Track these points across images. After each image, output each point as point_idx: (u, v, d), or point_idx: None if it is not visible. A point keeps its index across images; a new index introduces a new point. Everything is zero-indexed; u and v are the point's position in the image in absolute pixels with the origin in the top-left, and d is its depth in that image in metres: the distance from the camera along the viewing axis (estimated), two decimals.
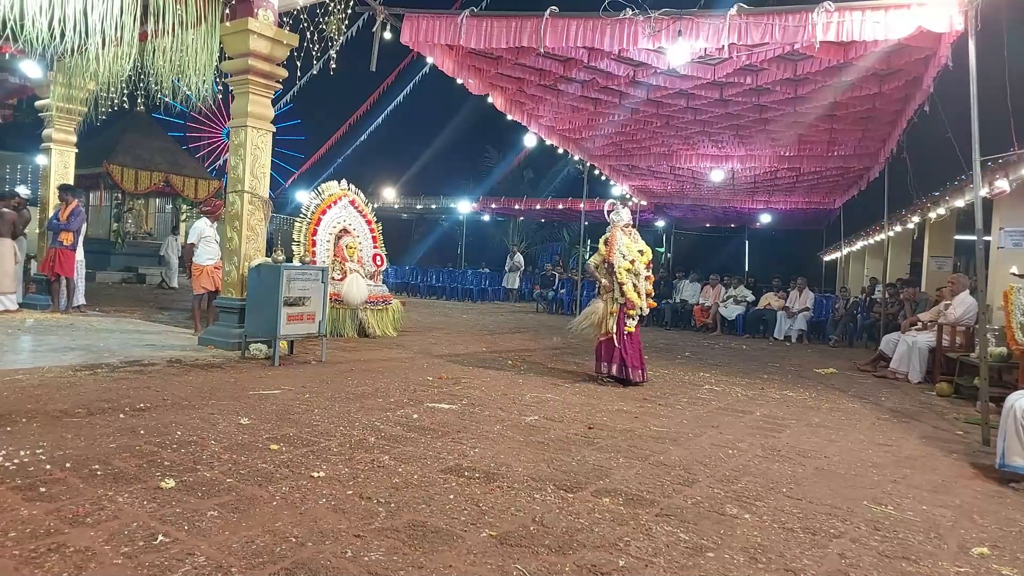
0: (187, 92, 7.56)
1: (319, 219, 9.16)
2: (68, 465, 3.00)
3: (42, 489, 2.70)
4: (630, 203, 16.94)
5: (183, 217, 18.04)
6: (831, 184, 15.24)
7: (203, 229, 8.08)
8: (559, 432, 4.32)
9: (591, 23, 6.64)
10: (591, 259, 6.77)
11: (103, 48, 6.24)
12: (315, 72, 12.65)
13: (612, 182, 16.48)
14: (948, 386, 6.97)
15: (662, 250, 28.01)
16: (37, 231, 10.02)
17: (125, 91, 8.16)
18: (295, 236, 9.04)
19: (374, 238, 9.93)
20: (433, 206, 25.95)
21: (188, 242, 8.26)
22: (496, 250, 27.25)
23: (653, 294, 6.71)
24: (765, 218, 22.33)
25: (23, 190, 9.77)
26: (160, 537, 2.33)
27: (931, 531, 2.93)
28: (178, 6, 6.42)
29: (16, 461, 3.01)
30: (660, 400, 5.74)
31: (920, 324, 8.58)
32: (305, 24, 7.18)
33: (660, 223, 25.90)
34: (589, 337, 6.74)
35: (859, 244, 18.56)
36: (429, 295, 20.73)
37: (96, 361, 5.65)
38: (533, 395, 5.58)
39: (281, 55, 7.01)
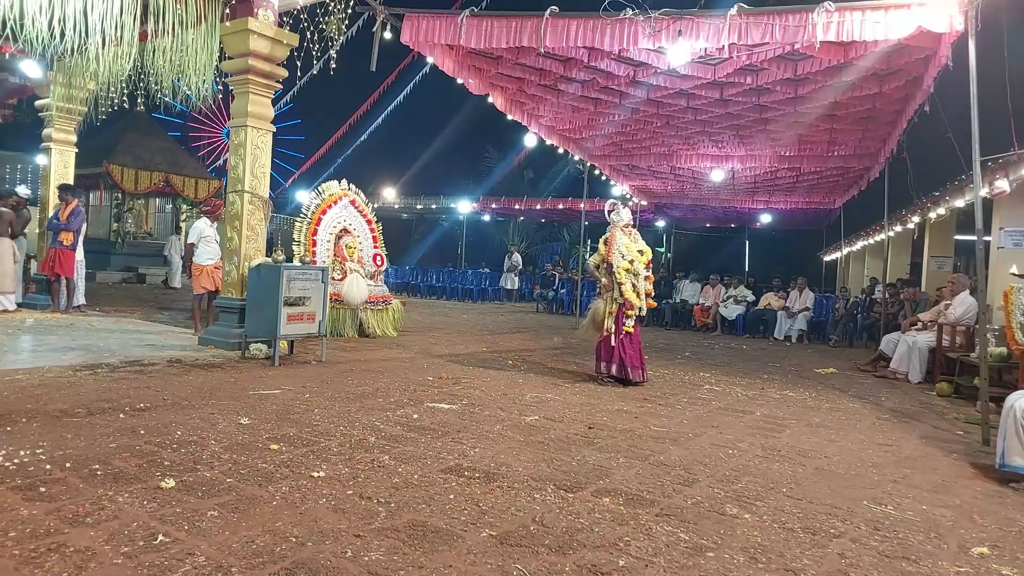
0: (187, 92, 7.56)
1: (319, 219, 9.16)
2: (68, 465, 3.00)
3: (42, 489, 2.70)
4: (630, 203, 16.95)
5: (183, 217, 18.05)
6: (831, 184, 15.24)
7: (203, 229, 8.08)
8: (559, 432, 4.32)
9: (591, 23, 6.64)
10: (591, 258, 6.77)
11: (103, 48, 6.24)
12: (315, 72, 12.65)
13: (612, 182, 16.48)
14: (948, 386, 6.97)
15: (662, 250, 28.01)
16: (37, 231, 10.02)
17: (125, 91, 8.16)
18: (295, 236, 9.04)
19: (374, 238, 9.93)
20: (433, 206, 25.95)
21: (188, 242, 8.26)
22: (496, 250, 27.25)
23: (653, 294, 6.71)
24: (765, 218, 22.34)
25: (23, 190, 9.73)
26: (160, 537, 2.33)
27: (931, 531, 2.93)
28: (178, 6, 6.42)
29: (16, 461, 3.01)
30: (660, 400, 5.74)
31: (920, 324, 8.58)
32: (305, 24, 7.18)
33: (660, 223, 25.89)
34: (591, 338, 6.74)
35: (859, 244, 18.56)
36: (429, 295, 20.73)
37: (96, 361, 5.66)
38: (533, 395, 5.58)
39: (281, 55, 7.01)
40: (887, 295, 11.83)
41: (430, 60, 8.18)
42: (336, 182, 9.68)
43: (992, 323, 7.06)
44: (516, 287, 20.49)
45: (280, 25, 7.02)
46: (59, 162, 9.83)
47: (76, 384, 4.76)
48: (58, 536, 2.28)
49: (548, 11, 6.67)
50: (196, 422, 3.92)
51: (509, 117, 10.22)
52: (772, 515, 2.99)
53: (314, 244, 9.00)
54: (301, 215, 9.37)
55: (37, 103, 9.89)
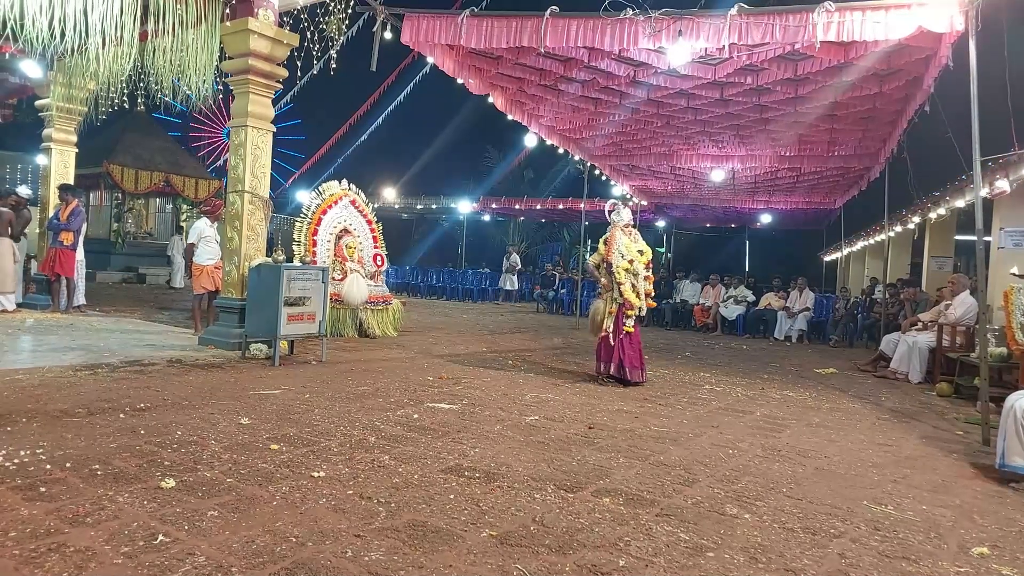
0: (187, 92, 7.56)
1: (320, 219, 9.16)
2: (68, 465, 3.00)
3: (42, 489, 2.70)
4: (630, 203, 16.94)
5: (183, 217, 18.05)
6: (831, 184, 15.24)
7: (203, 229, 8.09)
8: (559, 432, 4.32)
9: (591, 23, 6.64)
10: (590, 258, 6.78)
11: (103, 48, 6.24)
12: (315, 72, 12.64)
13: (612, 182, 16.48)
14: (948, 386, 6.97)
15: (662, 250, 28.02)
16: (37, 231, 10.02)
17: (125, 91, 8.16)
18: (295, 236, 9.04)
19: (375, 238, 9.93)
20: (433, 206, 25.95)
21: (188, 242, 8.26)
22: (496, 250, 27.25)
23: (652, 294, 6.70)
24: (765, 218, 22.33)
25: (24, 190, 9.71)
26: (160, 537, 2.33)
27: (931, 531, 2.93)
28: (178, 6, 6.42)
29: (16, 461, 3.01)
30: (660, 400, 5.74)
31: (920, 324, 8.58)
32: (305, 24, 7.18)
33: (660, 223, 25.89)
34: (592, 338, 6.74)
35: (859, 244, 18.56)
36: (429, 295, 20.74)
37: (96, 361, 5.66)
38: (533, 395, 5.58)
39: (281, 55, 7.01)
40: (887, 295, 11.83)
41: (430, 60, 8.18)
42: (336, 182, 9.68)
43: (992, 323, 7.06)
44: (515, 287, 20.49)
45: (280, 25, 7.02)
46: (59, 162, 9.83)
47: (76, 384, 4.76)
48: (58, 536, 2.28)
49: (548, 11, 6.67)
50: (196, 422, 3.92)
51: (509, 117, 10.22)
52: (772, 515, 2.99)
53: (314, 244, 9.01)
54: (301, 215, 9.37)
55: (37, 103, 9.89)
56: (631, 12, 6.53)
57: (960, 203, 10.09)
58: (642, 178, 16.33)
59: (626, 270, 6.26)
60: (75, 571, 2.06)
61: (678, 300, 14.76)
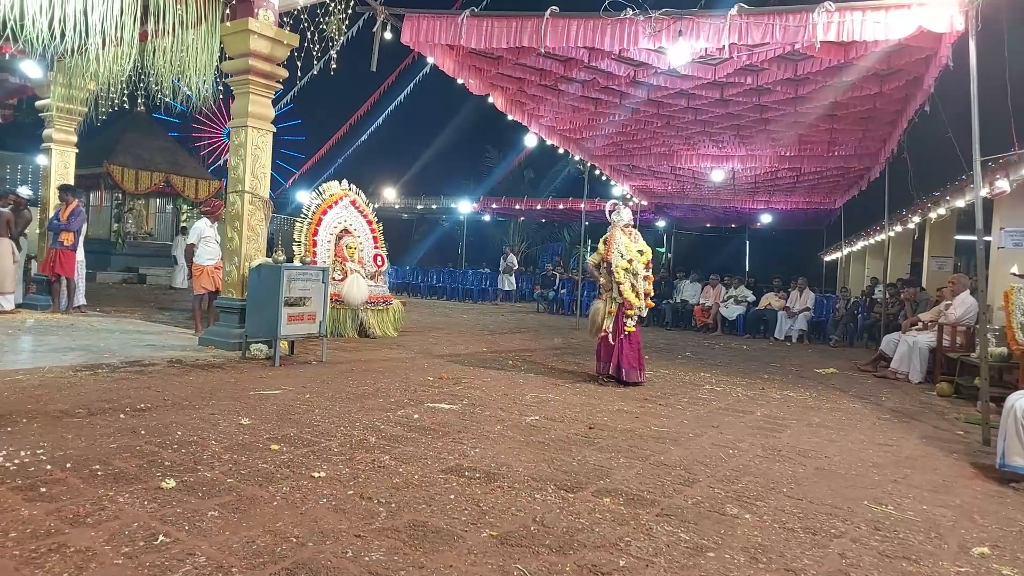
0: (187, 92, 7.56)
1: (320, 219, 9.17)
2: (68, 465, 3.00)
3: (43, 489, 2.70)
4: (631, 203, 16.94)
5: (184, 217, 18.06)
6: (832, 184, 15.24)
7: (203, 229, 8.09)
8: (560, 432, 4.32)
9: (591, 23, 6.64)
10: (590, 258, 6.78)
11: (103, 48, 6.23)
12: (315, 72, 12.64)
13: (613, 182, 16.48)
14: (948, 386, 6.97)
15: (663, 250, 28.02)
16: (37, 231, 10.03)
17: (125, 91, 8.17)
18: (296, 236, 9.04)
19: (375, 238, 9.93)
20: (434, 206, 25.96)
21: (188, 242, 8.27)
22: (497, 250, 27.23)
23: (652, 294, 6.70)
24: (766, 218, 22.33)
25: (24, 190, 9.72)
26: (161, 537, 2.33)
27: (931, 531, 2.93)
28: (178, 6, 6.42)
29: (17, 461, 3.01)
30: (661, 400, 5.74)
31: (920, 324, 8.58)
32: (305, 24, 7.18)
33: (661, 223, 25.90)
34: (593, 339, 6.74)
35: (859, 244, 18.55)
36: (429, 295, 20.74)
37: (96, 361, 5.66)
38: (534, 395, 5.58)
39: (281, 55, 7.01)
40: (887, 295, 11.83)
41: (430, 60, 8.18)
42: (337, 182, 9.69)
43: (992, 323, 7.06)
44: (514, 288, 20.49)
45: (280, 25, 7.02)
46: (59, 162, 9.84)
47: (76, 384, 4.76)
48: (59, 536, 2.28)
49: (548, 11, 6.67)
50: (197, 422, 3.92)
51: (509, 117, 10.22)
52: (772, 515, 2.99)
53: (315, 244, 9.01)
54: (302, 215, 9.38)
55: (37, 103, 9.90)
56: (631, 12, 6.53)
57: (960, 203, 10.09)
58: (642, 178, 16.33)
59: (625, 270, 6.26)
60: (75, 571, 2.06)
61: (678, 300, 14.76)
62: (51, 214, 9.35)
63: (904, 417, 5.72)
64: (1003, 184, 7.47)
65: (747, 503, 3.14)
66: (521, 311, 17.05)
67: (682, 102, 9.61)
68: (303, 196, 18.12)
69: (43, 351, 6.11)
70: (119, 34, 5.89)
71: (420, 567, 2.25)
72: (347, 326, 8.90)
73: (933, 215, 11.60)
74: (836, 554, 2.61)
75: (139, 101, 8.60)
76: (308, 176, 26.79)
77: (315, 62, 8.18)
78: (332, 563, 2.23)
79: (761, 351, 10.71)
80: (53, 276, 9.06)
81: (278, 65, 7.05)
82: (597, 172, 15.12)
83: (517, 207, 24.26)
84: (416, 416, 4.50)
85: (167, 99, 8.17)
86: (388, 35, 7.43)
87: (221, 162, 28.33)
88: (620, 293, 6.25)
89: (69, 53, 6.88)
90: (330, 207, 9.34)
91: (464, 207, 24.51)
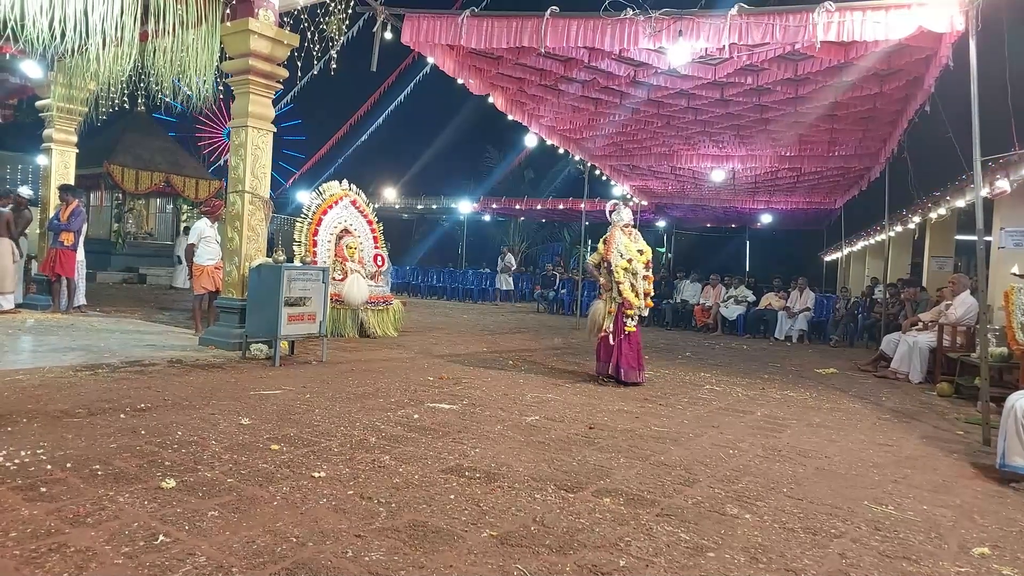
0: (187, 92, 7.56)
1: (320, 219, 9.17)
2: (69, 465, 3.01)
3: (43, 489, 2.70)
4: (631, 203, 16.94)
5: (184, 217, 18.06)
6: (832, 184, 15.23)
7: (203, 229, 8.09)
8: (560, 432, 4.32)
9: (592, 23, 6.64)
10: (590, 257, 6.78)
11: (103, 48, 6.23)
12: (316, 72, 12.61)
13: (613, 182, 16.48)
14: (949, 386, 6.97)
15: (663, 250, 28.01)
16: (38, 231, 10.03)
17: (125, 91, 8.17)
18: (296, 236, 9.05)
19: (375, 238, 9.93)
20: (434, 206, 25.95)
21: (188, 242, 8.27)
22: (497, 250, 27.24)
23: (652, 294, 6.69)
24: (766, 218, 22.33)
25: (25, 190, 9.72)
26: (161, 537, 2.33)
27: (932, 531, 2.93)
28: (178, 6, 6.42)
29: (17, 461, 3.01)
30: (661, 400, 5.74)
31: (921, 324, 8.58)
32: (306, 24, 7.18)
33: (661, 223, 25.89)
34: (593, 339, 6.74)
35: (860, 244, 18.54)
36: (430, 295, 20.75)
37: (97, 361, 5.66)
38: (534, 395, 5.58)
39: (282, 55, 7.01)
40: (888, 295, 11.82)
41: (430, 60, 8.18)
42: (337, 182, 9.69)
43: (993, 323, 7.06)
44: (512, 288, 20.49)
45: (280, 25, 7.02)
46: (60, 162, 9.84)
47: (77, 384, 4.77)
48: (59, 536, 2.28)
49: (548, 11, 6.67)
50: (197, 422, 3.92)
51: (509, 117, 10.22)
52: (773, 515, 2.99)
53: (315, 244, 9.01)
54: (302, 215, 9.38)
55: (37, 103, 9.90)
56: (631, 12, 6.52)
57: (960, 203, 10.09)
58: (642, 178, 16.33)
59: (625, 269, 6.26)
60: (75, 571, 2.06)
61: (678, 300, 14.75)
62: (51, 214, 9.35)
63: (904, 417, 5.72)
64: (1003, 184, 7.47)
65: (747, 503, 3.14)
66: (521, 311, 17.05)
67: (682, 102, 9.61)
68: (303, 196, 18.12)
69: (43, 351, 6.11)
70: (119, 34, 5.88)
71: (420, 567, 2.25)
72: (347, 326, 8.90)
73: (933, 215, 11.60)
74: (836, 554, 2.61)
75: (139, 101, 8.60)
76: (308, 176, 26.81)
77: (315, 62, 8.16)
78: (332, 563, 2.23)
79: (761, 351, 10.70)
80: (53, 276, 9.06)
81: (278, 65, 7.05)
82: (597, 172, 15.12)
83: (517, 207, 24.25)
84: (416, 416, 4.50)
85: (167, 99, 8.17)
86: (388, 35, 7.43)
87: (221, 162, 28.29)
88: (620, 293, 6.25)
89: (69, 53, 6.88)
90: (330, 207, 9.34)
91: (464, 207, 24.50)
